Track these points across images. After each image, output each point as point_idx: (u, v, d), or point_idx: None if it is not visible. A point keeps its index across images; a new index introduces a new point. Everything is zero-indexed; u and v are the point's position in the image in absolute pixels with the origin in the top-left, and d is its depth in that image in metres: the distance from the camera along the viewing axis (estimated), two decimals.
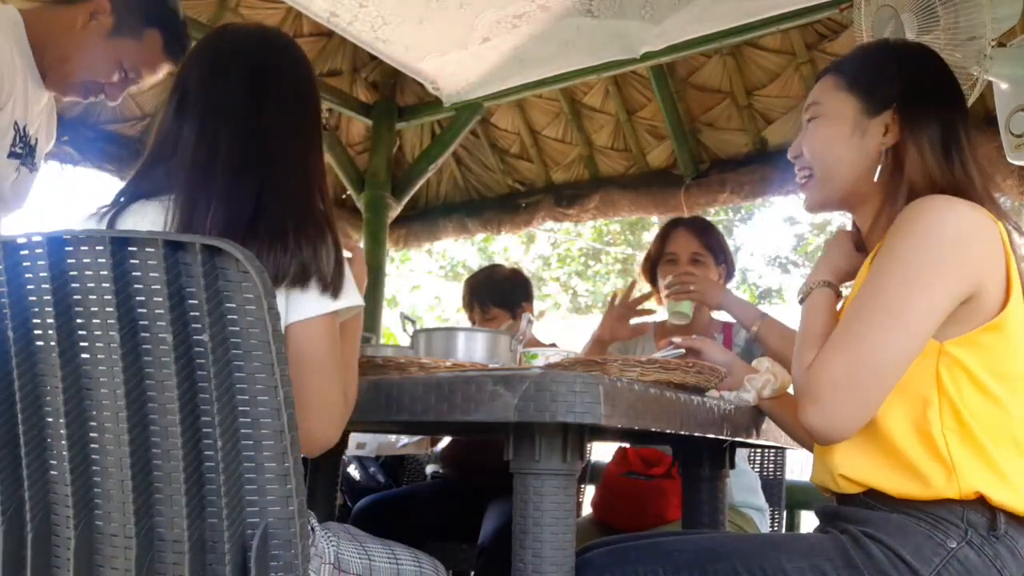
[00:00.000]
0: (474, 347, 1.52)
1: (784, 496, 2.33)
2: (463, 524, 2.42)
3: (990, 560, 1.04)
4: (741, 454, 2.17)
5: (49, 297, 0.87)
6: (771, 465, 2.36)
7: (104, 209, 1.11)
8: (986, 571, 1.04)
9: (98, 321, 0.86)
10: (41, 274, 0.87)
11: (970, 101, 1.98)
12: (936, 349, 1.08)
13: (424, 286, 11.97)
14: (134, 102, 3.53)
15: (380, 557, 1.14)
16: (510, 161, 4.33)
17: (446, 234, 4.60)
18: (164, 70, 1.85)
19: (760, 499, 2.13)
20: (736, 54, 3.48)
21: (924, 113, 1.21)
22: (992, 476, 1.06)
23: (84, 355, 0.88)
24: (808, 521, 2.98)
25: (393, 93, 4.16)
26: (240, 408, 0.86)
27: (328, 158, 4.08)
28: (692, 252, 2.23)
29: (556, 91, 3.86)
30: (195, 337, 0.85)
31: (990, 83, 2.14)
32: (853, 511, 1.14)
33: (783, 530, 2.36)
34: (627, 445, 2.15)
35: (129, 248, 0.85)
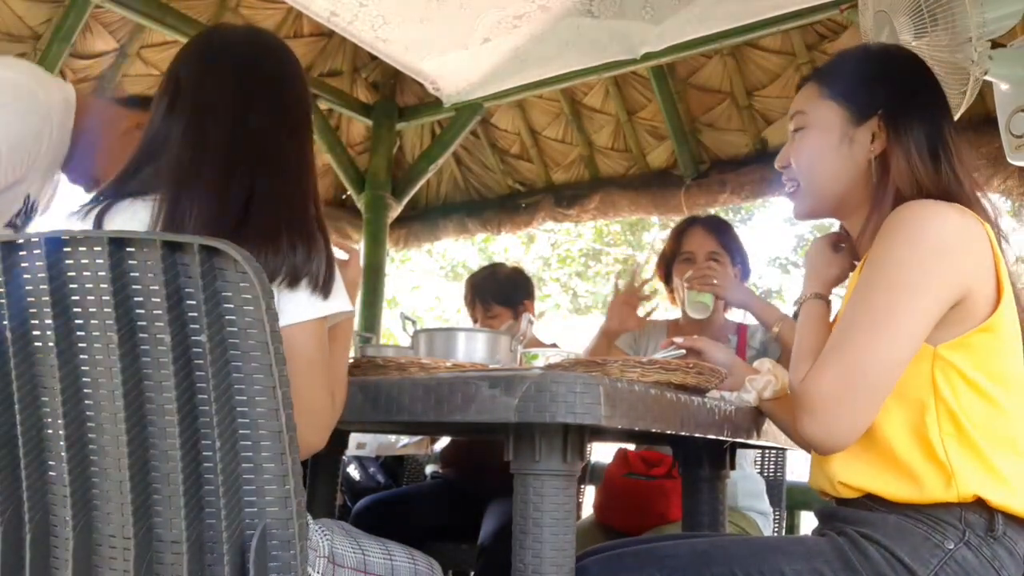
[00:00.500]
0: (474, 347, 1.52)
1: (784, 497, 2.33)
2: (463, 524, 2.42)
3: (988, 561, 1.04)
4: (748, 458, 2.16)
5: (47, 298, 0.86)
6: (771, 466, 2.36)
7: (87, 207, 1.10)
8: (984, 572, 1.04)
9: (96, 322, 0.86)
10: (39, 275, 0.87)
11: (968, 102, 1.98)
12: (930, 353, 1.08)
13: (424, 286, 11.97)
14: None
15: (374, 552, 1.13)
16: (510, 161, 4.33)
17: (446, 234, 4.60)
18: None
19: (765, 503, 2.12)
20: (736, 54, 3.48)
21: (909, 119, 1.21)
22: (990, 479, 1.06)
23: (82, 356, 0.88)
24: (808, 522, 2.98)
25: (393, 93, 4.16)
26: (238, 409, 0.85)
27: (328, 158, 4.08)
28: (709, 251, 2.17)
29: (556, 91, 3.86)
30: (193, 338, 0.85)
31: (990, 83, 2.14)
32: (851, 512, 1.14)
33: (783, 531, 2.36)
34: (627, 446, 2.14)
35: (127, 249, 0.85)
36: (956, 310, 1.08)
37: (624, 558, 1.16)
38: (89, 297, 0.86)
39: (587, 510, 2.37)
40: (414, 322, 1.63)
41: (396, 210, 4.18)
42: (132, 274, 0.85)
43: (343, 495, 2.82)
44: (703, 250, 2.19)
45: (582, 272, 11.73)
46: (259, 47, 1.19)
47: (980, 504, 1.06)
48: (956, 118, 1.99)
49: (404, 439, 2.64)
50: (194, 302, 0.84)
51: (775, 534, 2.24)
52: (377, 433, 2.51)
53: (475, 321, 2.73)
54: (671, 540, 1.24)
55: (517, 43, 3.31)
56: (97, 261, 0.85)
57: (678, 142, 3.70)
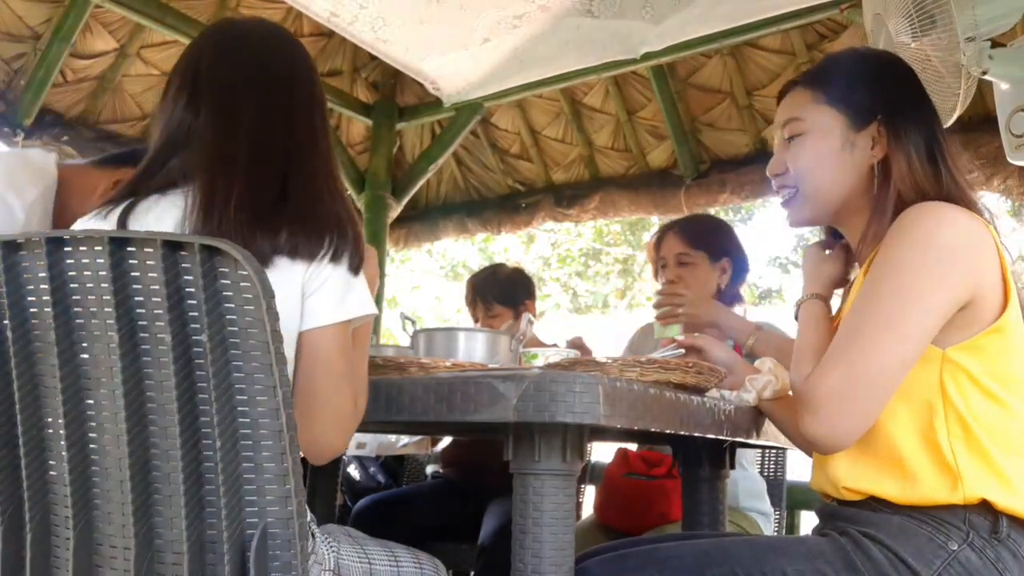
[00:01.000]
0: (474, 347, 1.52)
1: (785, 496, 2.33)
2: (463, 524, 2.43)
3: (991, 562, 1.04)
4: (749, 458, 2.15)
5: (48, 297, 0.86)
6: (772, 465, 2.36)
7: (108, 207, 1.08)
8: (987, 573, 1.03)
9: (97, 321, 0.86)
10: (40, 274, 0.87)
11: (965, 103, 1.98)
12: (939, 356, 1.08)
13: (424, 286, 11.97)
14: (134, 102, 3.53)
15: (381, 560, 1.13)
16: (510, 161, 4.33)
17: (446, 234, 4.60)
18: None
19: (766, 504, 2.12)
20: (736, 54, 3.48)
21: (907, 123, 1.21)
22: (997, 482, 1.06)
23: (83, 355, 0.88)
24: (808, 521, 2.98)
25: (393, 93, 4.16)
26: (239, 408, 0.85)
27: None
28: (677, 254, 2.16)
29: (556, 91, 3.86)
30: (194, 337, 0.85)
31: (990, 83, 2.14)
32: (854, 512, 1.14)
33: (784, 531, 2.36)
34: (628, 446, 2.14)
35: (128, 248, 0.85)
36: (965, 312, 1.08)
37: (626, 559, 1.16)
38: (90, 296, 0.86)
39: (587, 510, 2.37)
40: (414, 322, 1.63)
41: (396, 210, 4.18)
42: (133, 273, 0.85)
43: (343, 495, 2.82)
44: (671, 254, 2.17)
45: (582, 272, 11.73)
46: (274, 35, 1.19)
47: (984, 506, 1.06)
48: (955, 118, 2.00)
49: (404, 439, 2.64)
50: (195, 301, 0.84)
51: (773, 532, 2.25)
52: (377, 433, 2.51)
53: (476, 321, 2.73)
54: (673, 541, 1.24)
55: (517, 43, 3.31)
56: (98, 260, 0.85)
57: (678, 142, 3.70)
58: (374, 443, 2.66)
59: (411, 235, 4.66)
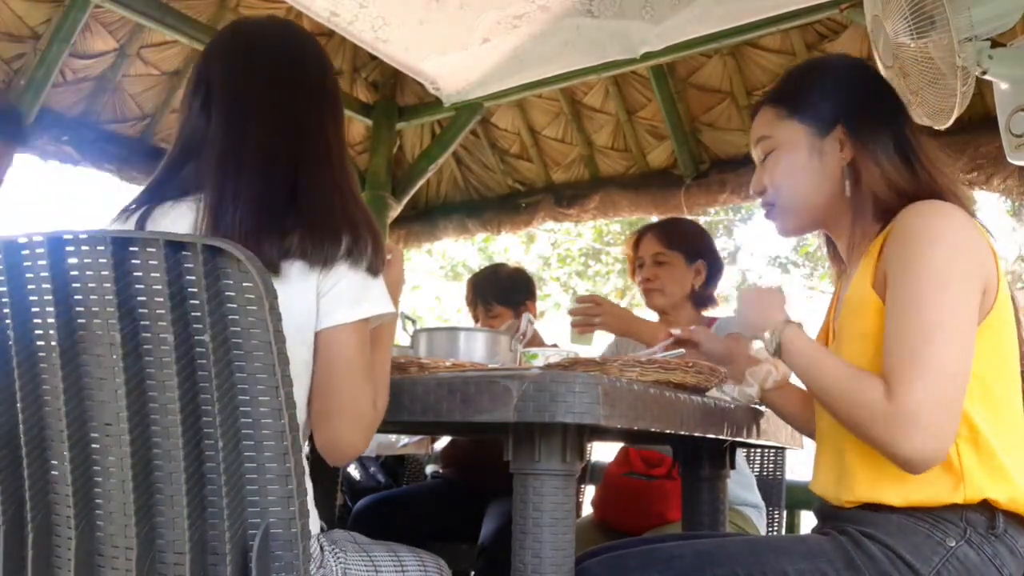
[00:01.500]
0: (474, 347, 1.52)
1: (784, 496, 2.33)
2: (463, 524, 2.43)
3: (989, 558, 1.04)
4: (739, 453, 2.16)
5: (50, 297, 0.87)
6: (770, 465, 2.36)
7: (126, 211, 1.09)
8: (985, 569, 1.04)
9: (99, 321, 0.86)
10: (42, 274, 0.87)
11: (964, 103, 1.98)
12: None
13: (424, 286, 11.97)
14: (134, 102, 3.53)
15: (386, 567, 1.13)
16: (510, 161, 4.33)
17: (446, 234, 4.60)
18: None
19: (756, 496, 2.12)
20: (736, 54, 3.48)
21: (870, 124, 1.23)
22: (998, 480, 1.06)
23: (85, 355, 0.88)
24: (808, 521, 2.98)
25: (393, 93, 4.16)
26: (241, 409, 0.86)
27: None
28: (654, 253, 2.25)
29: (556, 91, 3.86)
30: (196, 338, 0.85)
31: (990, 83, 2.15)
32: (853, 512, 1.14)
33: (783, 530, 2.36)
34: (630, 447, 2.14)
35: (130, 248, 0.85)
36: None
37: (627, 559, 1.16)
38: (92, 296, 0.86)
39: (587, 509, 2.37)
40: (414, 322, 1.63)
41: (396, 210, 4.18)
42: (135, 273, 0.85)
43: (343, 495, 2.82)
44: (648, 253, 2.26)
45: (582, 272, 11.73)
46: (286, 35, 1.18)
47: (983, 504, 1.06)
48: (954, 118, 2.00)
49: (404, 439, 2.64)
50: (197, 301, 0.84)
51: (772, 531, 2.25)
52: (377, 433, 2.51)
53: (476, 321, 2.73)
54: (674, 541, 1.24)
55: (517, 43, 3.31)
56: (100, 260, 0.85)
57: (678, 142, 3.70)
58: (374, 443, 2.66)
59: (411, 235, 4.66)
